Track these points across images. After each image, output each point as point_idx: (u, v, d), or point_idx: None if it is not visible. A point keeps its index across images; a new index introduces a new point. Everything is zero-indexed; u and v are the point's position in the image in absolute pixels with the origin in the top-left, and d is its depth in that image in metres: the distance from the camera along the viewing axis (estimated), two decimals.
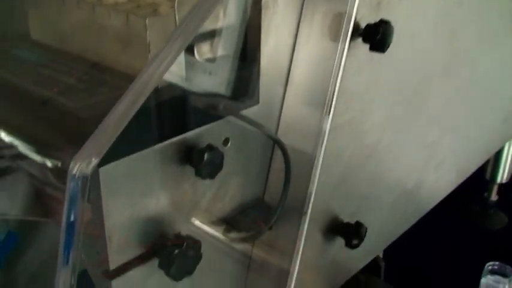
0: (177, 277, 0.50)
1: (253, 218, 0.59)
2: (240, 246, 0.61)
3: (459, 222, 1.39)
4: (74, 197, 0.37)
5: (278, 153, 0.59)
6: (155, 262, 0.51)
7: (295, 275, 0.62)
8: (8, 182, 0.61)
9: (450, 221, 1.33)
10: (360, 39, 0.55)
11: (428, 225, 1.04)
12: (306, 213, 0.59)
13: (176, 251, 0.49)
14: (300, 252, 0.61)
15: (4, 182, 0.61)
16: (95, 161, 0.37)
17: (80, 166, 0.37)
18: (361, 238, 0.64)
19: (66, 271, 0.38)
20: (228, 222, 0.58)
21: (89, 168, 0.37)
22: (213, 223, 0.57)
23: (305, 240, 0.62)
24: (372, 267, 0.80)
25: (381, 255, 0.86)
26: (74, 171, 0.37)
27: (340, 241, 0.66)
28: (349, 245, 0.64)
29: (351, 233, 0.64)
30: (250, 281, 0.64)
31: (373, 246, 0.75)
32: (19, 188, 0.62)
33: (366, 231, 0.65)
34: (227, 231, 0.57)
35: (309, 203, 0.59)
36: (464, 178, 0.96)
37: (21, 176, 0.61)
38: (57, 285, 0.39)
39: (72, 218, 0.38)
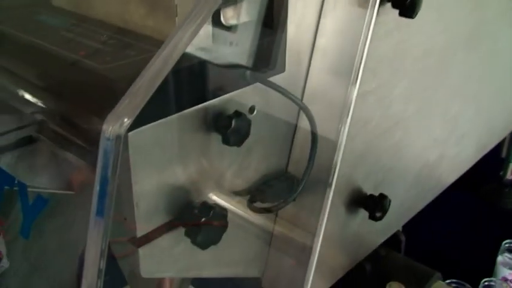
0: (203, 245, 0.50)
1: (277, 189, 0.59)
2: (263, 217, 0.61)
3: (474, 200, 1.38)
4: (107, 159, 0.36)
5: (302, 123, 0.59)
6: (182, 231, 0.50)
7: (318, 247, 0.61)
8: (30, 152, 0.61)
9: (465, 200, 1.32)
10: (388, 5, 0.54)
11: (443, 203, 1.04)
12: (330, 185, 0.58)
13: (203, 219, 0.49)
14: (324, 225, 0.60)
15: (27, 151, 0.60)
16: (127, 122, 0.36)
17: (113, 127, 0.36)
18: (384, 210, 0.64)
19: (98, 236, 0.38)
20: (253, 193, 0.57)
21: (122, 128, 0.36)
22: (238, 193, 0.56)
23: (328, 212, 0.61)
24: (392, 242, 0.79)
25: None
26: (107, 133, 0.36)
27: (363, 214, 0.65)
28: (373, 217, 0.63)
29: (374, 205, 0.63)
30: (273, 251, 0.63)
31: (394, 220, 0.74)
32: (42, 157, 0.61)
33: (389, 204, 0.64)
34: (251, 201, 0.56)
35: (334, 174, 0.58)
36: (483, 154, 0.95)
37: (45, 146, 0.60)
38: (88, 249, 0.39)
39: (105, 181, 0.37)
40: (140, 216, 0.47)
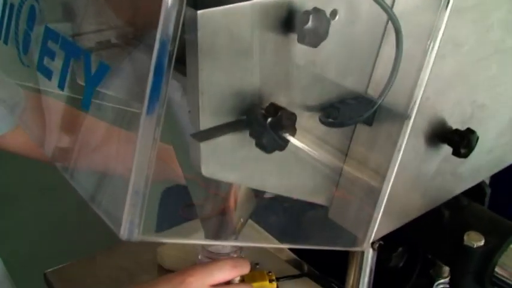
0: (267, 148, 0.47)
1: (353, 108, 0.55)
2: (334, 138, 0.57)
3: None
4: (169, 17, 0.34)
5: (388, 42, 0.54)
6: (246, 134, 0.48)
7: (390, 182, 0.57)
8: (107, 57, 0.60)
9: None
10: None
11: None
12: (412, 108, 0.54)
13: (270, 120, 0.46)
14: (400, 157, 0.56)
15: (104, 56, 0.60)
16: None
17: None
18: (471, 147, 0.58)
19: (152, 117, 0.36)
20: (327, 108, 0.54)
21: None
22: (310, 107, 0.53)
23: (407, 143, 0.57)
24: (476, 194, 0.73)
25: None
26: None
27: (445, 151, 0.60)
28: (457, 153, 0.58)
29: (460, 139, 0.58)
30: (342, 184, 0.60)
31: (481, 167, 0.69)
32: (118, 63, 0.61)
33: (477, 140, 0.58)
34: (325, 116, 0.53)
35: (415, 102, 0.54)
36: None
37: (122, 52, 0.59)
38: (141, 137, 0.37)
39: (164, 49, 0.35)
40: (204, 107, 0.45)
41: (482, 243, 0.65)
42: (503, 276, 0.66)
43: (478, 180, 0.70)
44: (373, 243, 0.70)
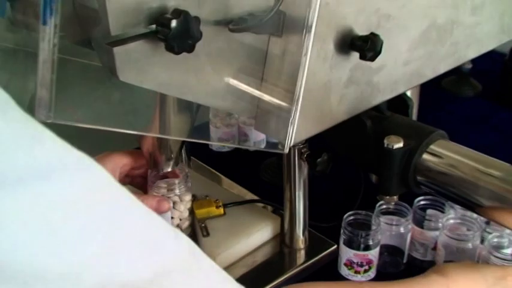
0: (175, 49, 0.52)
1: (261, 19, 0.60)
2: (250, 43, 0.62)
3: None
4: None
5: None
6: (158, 43, 0.53)
7: (303, 83, 0.61)
8: None
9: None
10: None
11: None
12: (310, 27, 0.59)
13: (174, 22, 0.51)
14: (307, 62, 0.60)
15: None
16: None
17: None
18: (375, 50, 0.63)
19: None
20: (235, 20, 0.59)
21: None
22: (218, 21, 0.58)
23: (316, 55, 0.62)
24: (400, 106, 0.79)
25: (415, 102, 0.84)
26: None
27: (355, 58, 0.65)
28: (363, 56, 0.63)
29: (363, 43, 0.63)
30: (262, 92, 0.64)
31: (398, 79, 0.74)
32: None
33: (381, 44, 0.63)
34: (234, 25, 0.58)
35: (314, 9, 0.59)
36: (509, 37, 0.92)
37: None
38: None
39: None
40: (112, 12, 0.49)
41: (401, 145, 0.70)
42: (426, 176, 0.72)
43: (397, 92, 0.75)
44: (302, 154, 0.76)
